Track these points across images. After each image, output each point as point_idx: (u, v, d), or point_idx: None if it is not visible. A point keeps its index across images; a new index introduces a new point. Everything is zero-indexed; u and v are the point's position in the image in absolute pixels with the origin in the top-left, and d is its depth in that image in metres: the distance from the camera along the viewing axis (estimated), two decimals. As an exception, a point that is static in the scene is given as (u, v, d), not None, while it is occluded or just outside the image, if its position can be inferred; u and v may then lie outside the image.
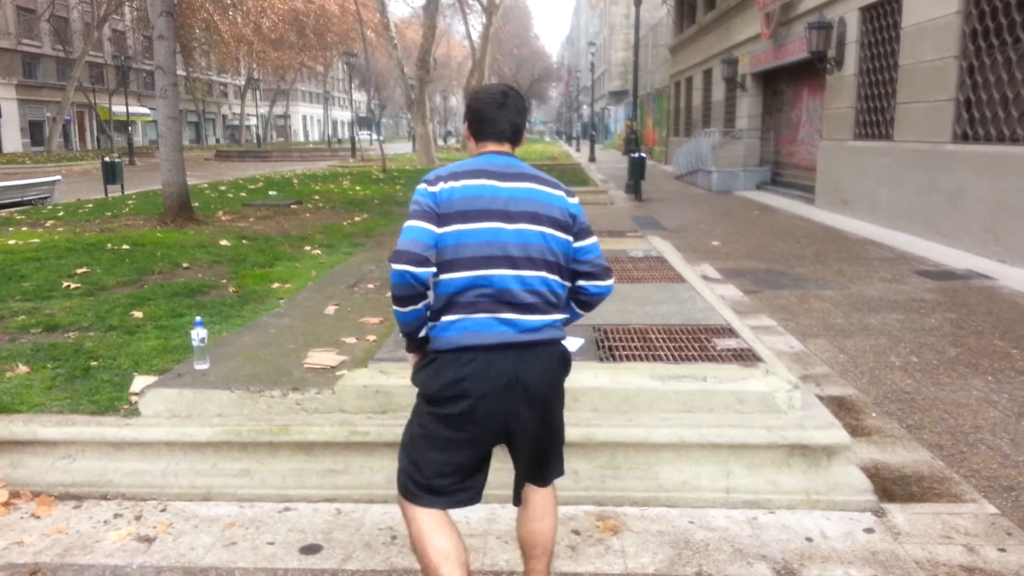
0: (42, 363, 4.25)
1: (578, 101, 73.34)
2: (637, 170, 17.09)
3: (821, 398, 4.28)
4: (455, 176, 2.26)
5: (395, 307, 2.24)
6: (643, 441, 3.40)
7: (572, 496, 3.33)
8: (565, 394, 2.48)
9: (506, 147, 2.41)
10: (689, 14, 26.76)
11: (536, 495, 2.45)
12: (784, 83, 18.30)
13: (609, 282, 2.46)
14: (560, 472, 2.49)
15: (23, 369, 4.16)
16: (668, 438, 3.39)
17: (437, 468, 2.26)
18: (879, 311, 6.63)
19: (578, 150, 46.84)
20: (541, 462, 2.41)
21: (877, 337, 5.83)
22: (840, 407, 4.37)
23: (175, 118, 10.50)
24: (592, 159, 33.75)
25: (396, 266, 2.14)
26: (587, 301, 2.48)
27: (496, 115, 2.38)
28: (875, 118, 12.62)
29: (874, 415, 4.30)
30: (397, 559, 2.91)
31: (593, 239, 2.42)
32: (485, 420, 2.22)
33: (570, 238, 2.34)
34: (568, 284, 2.40)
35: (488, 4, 35.91)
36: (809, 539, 3.05)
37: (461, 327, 2.20)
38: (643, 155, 17.73)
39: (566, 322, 2.42)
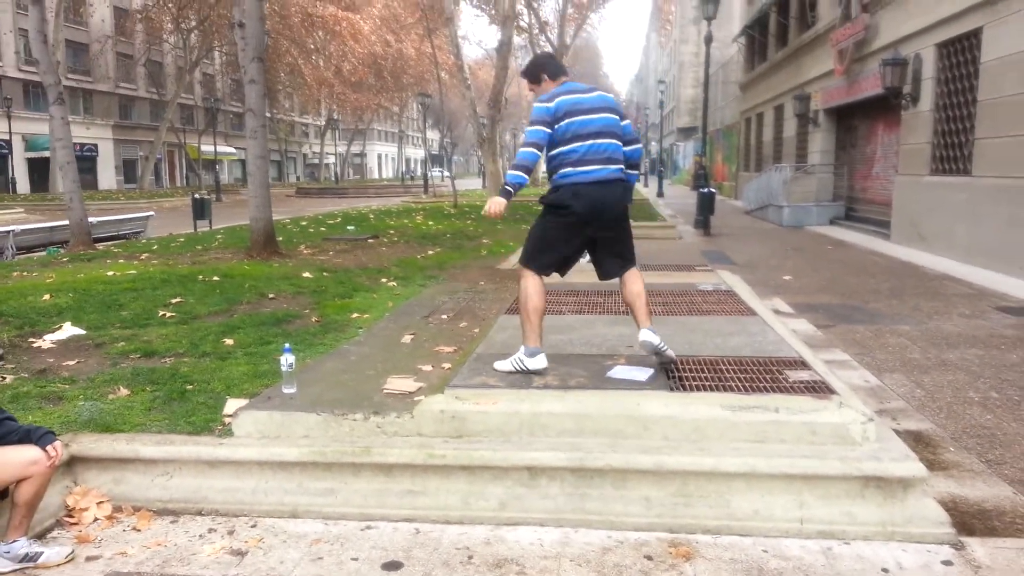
0: (141, 386, 4.55)
1: (646, 138, 73.37)
2: (706, 205, 17.02)
3: (897, 432, 4.22)
4: (559, 95, 4.09)
5: (518, 173, 4.03)
6: (714, 470, 3.44)
7: (644, 522, 3.40)
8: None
9: (569, 76, 4.37)
10: (760, 51, 26.68)
11: (626, 275, 4.29)
12: (858, 118, 18.04)
13: (639, 145, 4.33)
14: (632, 262, 4.33)
15: (124, 392, 4.46)
16: (740, 467, 3.42)
17: (545, 253, 4.20)
18: (957, 347, 6.48)
19: (646, 185, 46.73)
20: (620, 255, 4.30)
21: (955, 372, 5.71)
22: (917, 441, 4.30)
23: (263, 157, 11.06)
24: (660, 194, 33.69)
25: (527, 150, 4.05)
26: (631, 160, 4.29)
27: (558, 60, 4.46)
28: (952, 153, 12.34)
29: (952, 450, 4.23)
30: (475, 577, 3.02)
31: (628, 120, 4.29)
32: (581, 223, 4.12)
33: (619, 119, 4.22)
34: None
35: (559, 45, 36.51)
36: (885, 570, 3.03)
37: (578, 173, 4.06)
38: (712, 190, 17.66)
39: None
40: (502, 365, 4.24)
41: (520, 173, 4.02)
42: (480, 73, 51.86)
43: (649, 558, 3.16)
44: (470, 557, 3.18)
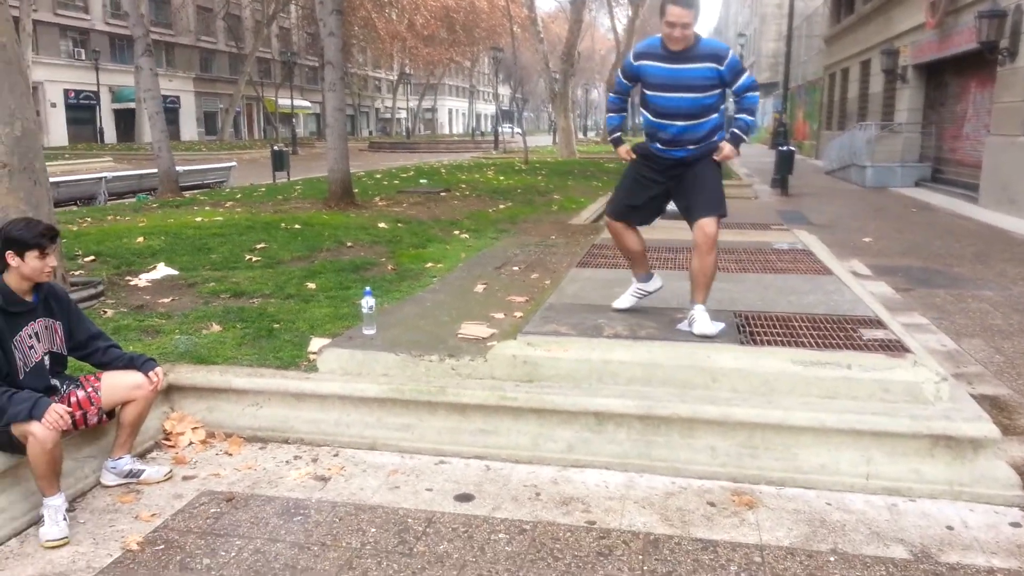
0: (232, 323, 4.81)
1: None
2: (784, 164, 16.59)
3: (973, 396, 4.15)
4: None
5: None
6: (782, 423, 3.48)
7: (709, 471, 3.48)
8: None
9: None
10: (847, 3, 25.56)
11: (695, 233, 4.11)
12: (949, 75, 17.21)
13: None
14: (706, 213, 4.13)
15: (216, 328, 4.73)
16: (808, 422, 3.46)
17: (625, 202, 4.34)
18: (1044, 314, 6.27)
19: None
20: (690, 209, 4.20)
21: (1040, 340, 5.55)
22: (992, 406, 4.22)
23: (342, 110, 11.30)
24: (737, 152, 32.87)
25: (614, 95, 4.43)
26: None
27: None
28: (1053, 112, 11.71)
29: (1030, 416, 4.15)
30: (541, 513, 3.16)
31: None
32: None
33: None
34: None
35: (635, -4, 35.65)
36: (950, 527, 3.05)
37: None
38: (791, 148, 17.19)
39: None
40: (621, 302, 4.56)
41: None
42: (553, 27, 51.14)
43: (712, 504, 3.25)
44: (537, 494, 3.33)
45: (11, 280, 3.09)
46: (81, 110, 42.59)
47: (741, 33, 53.13)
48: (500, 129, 49.44)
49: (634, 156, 4.26)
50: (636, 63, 4.10)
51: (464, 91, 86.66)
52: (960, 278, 7.75)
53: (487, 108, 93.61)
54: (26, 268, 3.07)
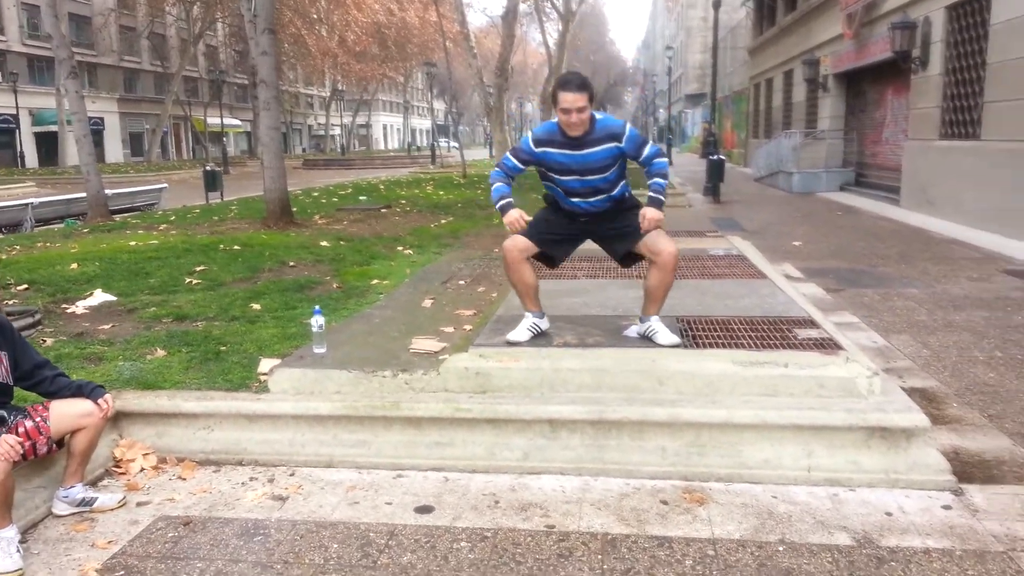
0: (177, 348, 4.75)
1: (654, 105, 72.90)
2: (715, 172, 17.09)
3: (903, 389, 4.38)
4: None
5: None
6: (726, 421, 3.62)
7: (660, 471, 3.59)
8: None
9: None
10: (769, 16, 26.49)
11: (656, 250, 4.05)
12: (867, 83, 18.01)
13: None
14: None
15: (161, 353, 4.66)
16: (751, 419, 3.61)
17: (543, 231, 4.19)
18: (964, 309, 6.63)
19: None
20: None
21: (961, 333, 5.87)
22: (922, 397, 4.48)
23: (277, 128, 11.19)
24: (669, 163, 33.62)
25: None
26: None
27: None
28: (962, 117, 12.37)
29: (955, 405, 4.41)
30: (501, 520, 3.23)
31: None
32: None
33: None
34: None
35: (565, 12, 36.21)
36: (888, 513, 3.22)
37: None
38: (721, 157, 17.71)
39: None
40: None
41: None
42: (485, 42, 51.52)
43: (665, 503, 3.36)
44: (496, 502, 3.39)
45: (-48, 311, 3.02)
46: (0, 134, 41.05)
47: (668, 46, 54.42)
48: (437, 144, 49.48)
49: (524, 225, 4.02)
50: (538, 150, 4.02)
51: (398, 106, 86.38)
52: (886, 277, 8.13)
53: (422, 123, 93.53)
54: (-33, 299, 3.01)
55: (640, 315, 4.23)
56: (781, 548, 2.96)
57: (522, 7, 35.21)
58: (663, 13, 76.76)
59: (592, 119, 3.93)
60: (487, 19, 64.01)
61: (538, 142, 4.02)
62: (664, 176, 4.03)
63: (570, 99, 3.79)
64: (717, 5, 19.83)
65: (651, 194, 3.97)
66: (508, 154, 4.12)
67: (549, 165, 4.02)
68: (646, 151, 4.03)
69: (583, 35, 53.02)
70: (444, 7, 31.67)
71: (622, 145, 3.95)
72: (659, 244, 3.99)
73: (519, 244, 4.11)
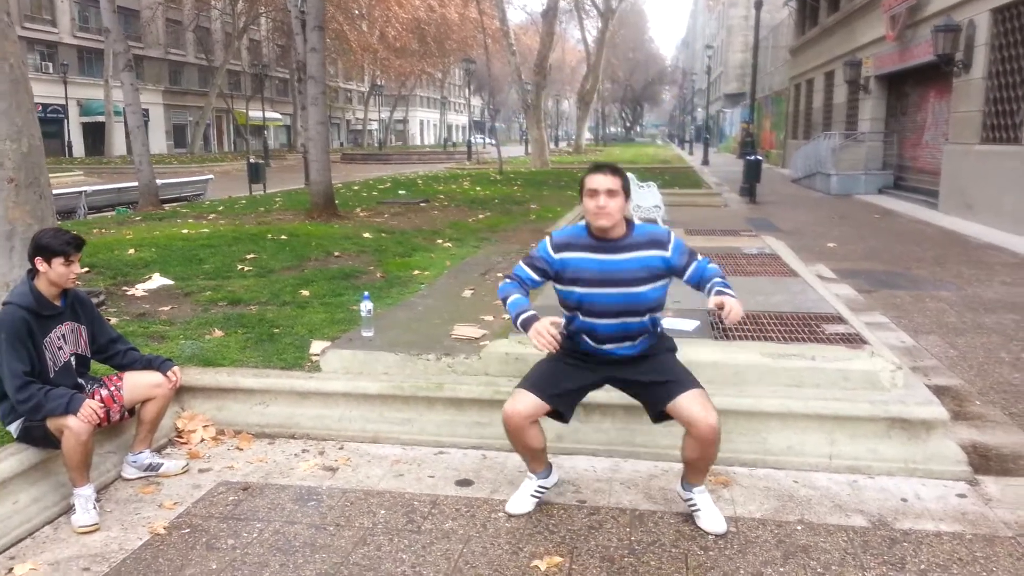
0: (233, 329, 5.05)
1: (692, 104, 72.53)
2: (752, 173, 17.12)
3: (928, 386, 4.52)
4: None
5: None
6: (752, 409, 3.80)
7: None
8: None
9: None
10: (811, 16, 26.32)
11: (693, 420, 3.08)
12: (909, 86, 17.88)
13: None
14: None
15: (219, 333, 4.96)
16: (776, 408, 3.78)
17: (548, 387, 3.23)
18: (995, 311, 6.70)
19: (691, 153, 46.47)
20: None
21: (990, 335, 5.96)
22: (945, 395, 4.60)
23: (324, 123, 11.55)
24: (706, 162, 33.58)
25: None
26: None
27: None
28: (1004, 122, 12.30)
29: (978, 403, 4.53)
30: (536, 494, 3.45)
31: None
32: None
33: None
34: None
35: (604, 9, 36.30)
36: (904, 500, 3.39)
37: None
38: (758, 158, 17.72)
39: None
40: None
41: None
42: (524, 39, 51.74)
43: (691, 484, 3.55)
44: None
45: (41, 285, 3.33)
46: (49, 123, 42.21)
47: (708, 45, 54.15)
48: (474, 140, 49.85)
49: (556, 336, 2.99)
50: (557, 256, 3.17)
51: (435, 102, 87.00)
52: (919, 280, 8.20)
53: (459, 119, 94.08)
54: (53, 274, 3.31)
55: (683, 482, 3.27)
56: (799, 527, 3.15)
57: (562, 4, 35.37)
58: (704, 11, 76.25)
59: (630, 223, 3.20)
60: (526, 16, 64.19)
61: (558, 246, 3.19)
62: (724, 277, 3.19)
63: (599, 179, 3.06)
64: (759, 4, 19.80)
65: (720, 288, 3.08)
66: (521, 263, 3.28)
67: (573, 276, 3.14)
68: (696, 264, 3.18)
69: (622, 33, 52.99)
70: (484, 4, 31.96)
71: (668, 255, 3.13)
72: (694, 412, 3.02)
73: (525, 408, 3.15)
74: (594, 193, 3.05)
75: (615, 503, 3.38)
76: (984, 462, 3.73)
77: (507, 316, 3.27)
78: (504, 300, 3.17)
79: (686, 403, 3.04)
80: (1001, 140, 12.37)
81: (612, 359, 3.22)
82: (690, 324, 4.47)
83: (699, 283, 3.19)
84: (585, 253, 3.13)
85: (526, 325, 3.03)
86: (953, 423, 4.07)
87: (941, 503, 3.35)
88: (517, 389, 3.20)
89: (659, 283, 3.16)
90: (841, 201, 17.39)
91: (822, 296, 5.49)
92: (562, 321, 3.13)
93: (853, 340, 4.24)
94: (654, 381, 3.16)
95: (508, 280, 3.24)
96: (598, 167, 3.12)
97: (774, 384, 3.94)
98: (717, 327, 4.52)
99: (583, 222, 3.21)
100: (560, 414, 3.27)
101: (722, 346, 4.18)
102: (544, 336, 2.96)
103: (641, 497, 3.43)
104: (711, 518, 3.15)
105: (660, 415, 3.18)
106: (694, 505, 3.21)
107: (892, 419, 3.69)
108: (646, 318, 3.16)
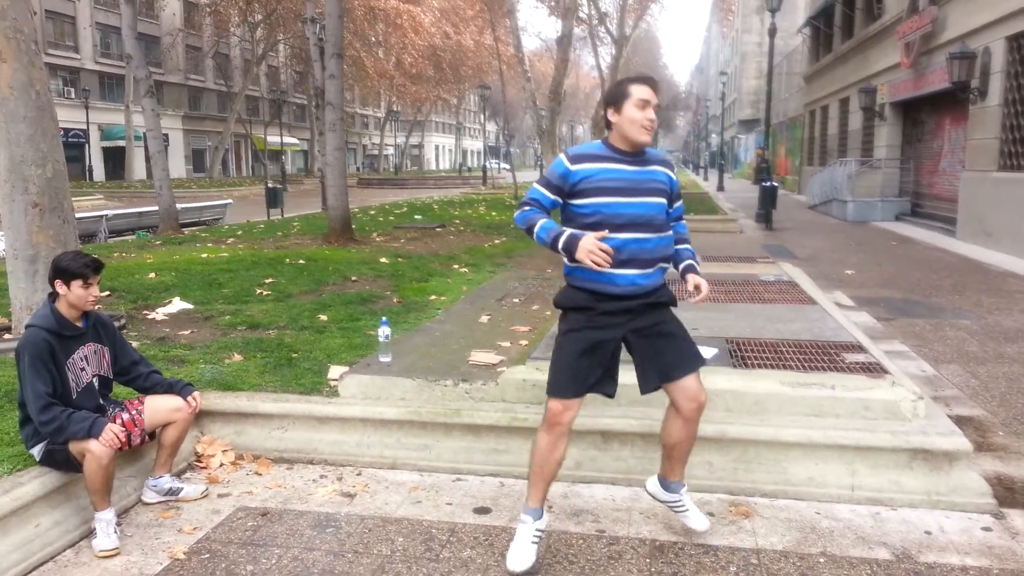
0: (252, 353, 5.07)
1: (706, 130, 72.72)
2: (768, 199, 17.10)
3: (950, 416, 4.47)
4: None
5: None
6: (773, 439, 3.78)
7: (707, 484, 3.76)
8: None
9: None
10: (825, 43, 26.41)
11: (679, 398, 3.17)
12: (925, 113, 17.87)
13: None
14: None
15: (238, 357, 4.99)
16: (796, 438, 3.76)
17: (579, 381, 3.12)
18: (1016, 340, 6.64)
19: (706, 179, 46.51)
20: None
21: (1012, 365, 5.90)
22: (967, 425, 4.56)
23: (341, 148, 11.67)
24: (721, 188, 33.59)
25: None
26: None
27: None
28: (1021, 149, 12.25)
29: (1001, 434, 4.48)
30: (555, 523, 3.43)
31: None
32: None
33: None
34: None
35: (619, 36, 36.55)
36: (928, 532, 3.34)
37: None
38: (774, 184, 17.71)
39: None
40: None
41: None
42: (538, 65, 52.16)
43: (711, 514, 3.52)
44: (550, 507, 3.59)
45: (62, 307, 3.38)
46: (70, 148, 42.82)
47: (722, 71, 54.36)
48: (489, 165, 50.13)
49: (608, 250, 2.83)
50: (575, 168, 2.99)
51: (451, 127, 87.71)
52: (938, 308, 8.13)
53: (474, 144, 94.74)
54: (72, 296, 3.36)
55: (660, 477, 3.31)
56: (822, 560, 3.11)
57: (577, 31, 35.67)
58: (717, 38, 76.66)
59: None
60: (541, 43, 64.76)
61: (576, 158, 3.02)
62: (688, 242, 3.32)
63: (649, 91, 2.97)
64: (773, 32, 19.89)
65: (689, 261, 3.23)
66: (535, 185, 3.10)
67: (597, 185, 2.96)
68: (678, 205, 3.28)
69: (636, 59, 53.31)
70: (500, 31, 32.28)
71: (673, 177, 3.16)
72: (698, 389, 3.10)
73: (568, 412, 3.05)
74: (645, 104, 2.95)
75: (635, 533, 3.36)
76: (1009, 495, 3.68)
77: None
78: (530, 228, 2.97)
79: (692, 381, 3.10)
80: (1018, 168, 12.32)
81: (628, 298, 2.99)
82: (709, 352, 4.45)
83: (676, 239, 3.21)
84: (609, 164, 3.00)
85: (570, 246, 2.85)
86: (976, 454, 4.03)
87: (966, 536, 3.30)
88: (552, 400, 3.05)
89: (665, 201, 3.10)
90: (858, 228, 17.33)
91: (841, 324, 5.46)
92: (605, 233, 2.90)
93: (873, 369, 4.21)
94: (671, 333, 3.09)
95: (526, 207, 3.05)
96: (643, 78, 3.03)
97: (794, 413, 3.92)
98: (735, 355, 4.50)
99: (596, 141, 3.14)
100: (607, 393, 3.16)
101: (741, 374, 4.16)
102: (597, 254, 2.79)
103: (661, 527, 3.40)
104: (698, 517, 3.27)
105: (653, 387, 3.13)
106: (681, 506, 3.27)
107: (914, 450, 3.65)
108: (657, 236, 3.03)
